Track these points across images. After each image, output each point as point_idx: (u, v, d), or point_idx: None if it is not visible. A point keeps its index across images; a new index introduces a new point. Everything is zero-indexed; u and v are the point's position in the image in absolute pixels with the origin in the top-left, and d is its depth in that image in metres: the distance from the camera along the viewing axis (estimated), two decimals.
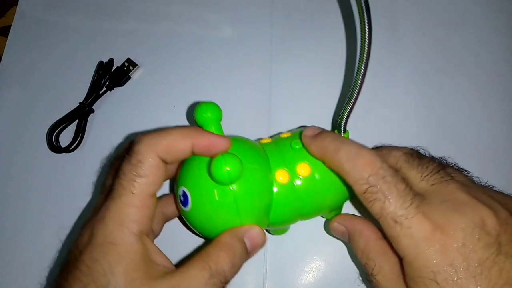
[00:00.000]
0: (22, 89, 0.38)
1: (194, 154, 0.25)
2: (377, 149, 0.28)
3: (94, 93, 0.36)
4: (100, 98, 0.37)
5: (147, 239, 0.23)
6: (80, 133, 0.36)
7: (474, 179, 0.26)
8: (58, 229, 0.34)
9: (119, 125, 0.37)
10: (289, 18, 0.39)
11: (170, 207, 0.29)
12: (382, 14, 0.38)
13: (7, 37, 0.40)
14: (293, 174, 0.26)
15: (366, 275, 0.25)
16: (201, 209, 0.25)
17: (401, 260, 0.22)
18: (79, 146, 0.36)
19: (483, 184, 0.26)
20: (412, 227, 0.21)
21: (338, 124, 0.28)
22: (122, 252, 0.22)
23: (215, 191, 0.24)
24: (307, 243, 0.32)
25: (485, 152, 0.35)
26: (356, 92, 0.25)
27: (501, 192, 0.25)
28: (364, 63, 0.24)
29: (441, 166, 0.24)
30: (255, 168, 0.25)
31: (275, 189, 0.26)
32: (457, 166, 0.26)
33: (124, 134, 0.36)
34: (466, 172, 0.26)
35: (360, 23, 0.22)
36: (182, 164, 0.26)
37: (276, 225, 0.27)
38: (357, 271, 0.31)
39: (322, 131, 0.26)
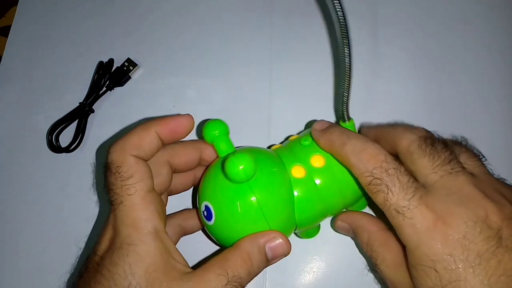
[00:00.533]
0: (22, 89, 0.38)
1: (164, 143, 0.26)
2: (391, 126, 0.28)
3: (94, 93, 0.36)
4: (100, 98, 0.37)
5: (165, 236, 0.24)
6: (80, 133, 0.36)
7: (488, 167, 0.26)
8: (58, 229, 0.34)
9: (119, 125, 0.37)
10: (289, 19, 0.39)
11: (189, 221, 0.30)
12: (380, 14, 0.38)
13: (7, 37, 0.40)
14: (309, 168, 0.26)
15: (371, 266, 0.26)
16: (225, 222, 0.25)
17: (404, 248, 0.23)
18: (79, 146, 0.36)
19: (495, 176, 0.26)
20: (414, 217, 0.22)
21: (341, 114, 0.28)
22: (141, 252, 0.22)
23: (238, 203, 0.24)
24: (307, 243, 0.32)
25: (485, 151, 0.35)
26: (347, 79, 0.26)
27: (511, 186, 0.25)
28: (347, 45, 0.24)
29: (453, 155, 0.24)
30: (271, 171, 0.26)
31: (294, 185, 0.26)
32: (475, 150, 0.26)
33: (124, 134, 0.36)
34: (482, 159, 0.26)
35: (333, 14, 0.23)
36: (203, 179, 0.27)
37: (304, 224, 0.27)
38: (361, 266, 0.31)
39: (331, 125, 0.27)
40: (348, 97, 0.27)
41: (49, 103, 0.37)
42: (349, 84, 0.26)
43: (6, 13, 0.41)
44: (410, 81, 0.37)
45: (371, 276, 0.31)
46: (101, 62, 0.37)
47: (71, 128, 0.36)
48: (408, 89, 0.36)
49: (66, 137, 0.36)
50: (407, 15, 0.39)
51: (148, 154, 0.25)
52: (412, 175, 0.24)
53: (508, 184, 0.25)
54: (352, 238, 0.32)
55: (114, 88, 0.37)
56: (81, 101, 0.36)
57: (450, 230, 0.21)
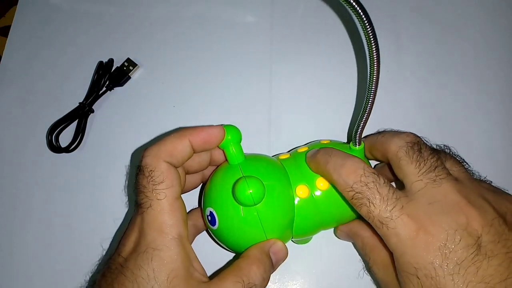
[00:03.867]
0: (22, 89, 0.38)
1: (195, 151, 0.27)
2: (379, 133, 0.29)
3: (94, 93, 0.36)
4: (100, 98, 0.37)
5: (187, 243, 0.24)
6: (80, 133, 0.36)
7: (473, 173, 0.27)
8: (58, 229, 0.34)
9: (119, 125, 0.37)
10: (289, 19, 0.39)
11: (200, 220, 0.31)
12: (385, 19, 0.38)
13: (7, 37, 0.40)
14: (313, 188, 0.27)
15: (367, 268, 0.29)
16: (228, 227, 0.27)
17: (392, 253, 0.24)
18: (79, 146, 0.36)
19: (482, 178, 0.27)
20: (397, 227, 0.23)
21: (353, 137, 0.28)
22: (165, 258, 0.23)
23: (240, 211, 0.26)
24: (307, 243, 0.32)
25: (483, 152, 0.35)
26: (369, 107, 0.25)
27: (498, 189, 0.26)
28: (374, 82, 0.24)
29: (440, 161, 0.25)
30: (276, 185, 0.27)
31: (296, 203, 0.27)
32: (458, 157, 0.27)
33: (124, 134, 0.36)
34: (465, 165, 0.27)
35: (369, 50, 0.22)
36: (208, 184, 0.28)
37: (299, 236, 0.29)
38: (359, 267, 0.32)
39: (320, 149, 0.28)
40: (365, 125, 0.27)
41: (49, 103, 0.37)
42: (369, 115, 0.26)
43: (6, 13, 0.41)
44: (407, 86, 0.37)
45: (368, 277, 0.31)
46: (101, 62, 0.37)
47: (71, 128, 0.36)
48: (406, 93, 0.36)
49: (66, 137, 0.36)
50: (406, 21, 0.39)
51: (180, 161, 0.26)
52: (392, 186, 0.24)
53: (495, 187, 0.26)
54: (352, 243, 0.32)
55: (114, 88, 0.37)
56: (81, 101, 0.36)
57: (431, 239, 0.22)
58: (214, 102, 0.37)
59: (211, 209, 0.27)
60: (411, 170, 0.25)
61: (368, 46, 0.22)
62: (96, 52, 0.38)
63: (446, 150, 0.28)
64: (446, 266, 0.21)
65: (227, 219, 0.26)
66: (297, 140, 0.34)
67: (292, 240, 0.31)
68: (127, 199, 0.35)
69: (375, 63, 0.23)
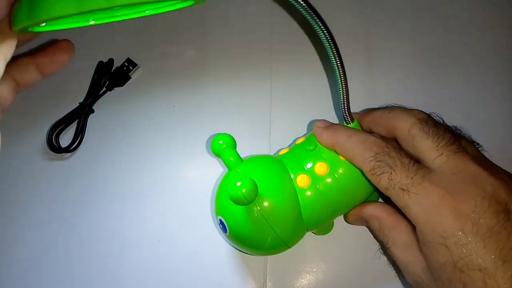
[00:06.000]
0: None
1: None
2: (386, 109, 0.28)
3: (94, 93, 0.36)
4: (100, 98, 0.37)
5: None
6: (80, 133, 0.36)
7: (484, 154, 0.26)
8: (58, 229, 0.34)
9: (119, 125, 0.37)
10: (289, 18, 0.39)
11: (26, 74, 0.27)
12: (380, 16, 0.38)
13: None
14: (313, 176, 0.28)
15: (383, 249, 0.28)
16: (237, 231, 0.27)
17: (413, 229, 0.23)
18: (79, 146, 0.36)
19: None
20: (420, 193, 0.22)
21: (343, 117, 0.29)
22: None
23: (244, 213, 0.26)
24: (307, 243, 0.32)
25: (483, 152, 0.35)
26: (343, 84, 0.27)
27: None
28: (336, 57, 0.26)
29: (456, 136, 0.25)
30: (275, 181, 0.27)
31: (299, 194, 0.27)
32: (470, 138, 0.27)
33: (124, 134, 0.36)
34: (477, 146, 0.27)
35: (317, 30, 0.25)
36: (216, 194, 0.29)
37: (315, 226, 0.29)
38: (360, 266, 0.32)
39: (333, 124, 0.28)
40: (347, 100, 0.28)
41: (49, 103, 0.37)
42: (345, 88, 0.27)
43: None
44: (409, 82, 0.37)
45: (370, 275, 0.31)
46: (101, 62, 0.37)
47: (71, 128, 0.36)
48: (407, 90, 0.36)
49: (66, 137, 0.36)
50: (405, 15, 0.39)
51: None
52: (412, 159, 0.24)
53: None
54: (367, 227, 0.32)
55: (114, 88, 0.37)
56: (81, 101, 0.36)
57: (459, 205, 0.21)
58: (214, 102, 0.37)
59: (221, 217, 0.28)
60: (429, 145, 0.24)
61: (316, 27, 0.24)
62: (96, 52, 0.38)
63: (457, 131, 0.27)
64: (477, 232, 0.21)
65: (235, 224, 0.27)
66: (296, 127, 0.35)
67: (312, 232, 0.31)
68: (127, 198, 0.35)
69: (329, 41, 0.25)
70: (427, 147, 0.24)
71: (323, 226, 0.30)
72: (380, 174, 0.24)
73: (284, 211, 0.27)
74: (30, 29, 0.21)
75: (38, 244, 0.34)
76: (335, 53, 0.25)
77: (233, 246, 0.30)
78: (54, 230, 0.34)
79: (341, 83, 0.27)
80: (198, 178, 0.35)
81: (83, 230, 0.34)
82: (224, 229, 0.28)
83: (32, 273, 0.33)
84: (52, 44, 0.25)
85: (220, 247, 0.32)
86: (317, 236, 0.32)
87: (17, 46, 0.24)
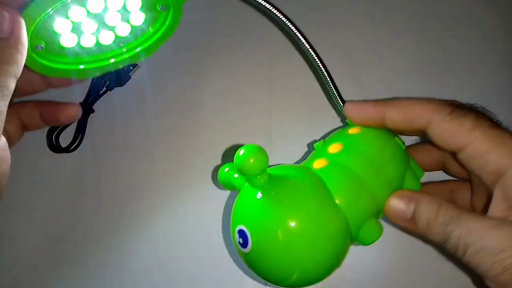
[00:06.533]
0: None
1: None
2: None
3: (94, 93, 0.36)
4: (100, 98, 0.37)
5: None
6: (80, 133, 0.36)
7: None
8: (58, 229, 0.34)
9: (119, 125, 0.37)
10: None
11: (31, 119, 0.29)
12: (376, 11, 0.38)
13: None
14: (328, 156, 0.25)
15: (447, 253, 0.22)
16: (265, 249, 0.22)
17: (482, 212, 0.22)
18: (79, 146, 0.36)
19: None
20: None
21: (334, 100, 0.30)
22: None
23: (279, 230, 0.21)
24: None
25: None
26: (327, 76, 0.29)
27: None
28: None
29: (487, 115, 0.23)
30: (309, 193, 0.23)
31: (320, 174, 0.24)
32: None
33: (124, 134, 0.36)
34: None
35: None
36: (236, 201, 0.24)
37: (355, 216, 0.23)
38: (362, 267, 0.31)
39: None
40: (331, 80, 0.29)
41: None
42: (334, 85, 0.29)
43: None
44: (409, 82, 0.37)
45: (371, 277, 0.31)
46: None
47: (71, 128, 0.36)
48: (407, 90, 0.36)
49: (66, 137, 0.36)
50: (405, 14, 0.39)
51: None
52: None
53: None
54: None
55: (114, 88, 0.37)
56: (81, 101, 0.36)
57: None
58: (214, 102, 0.37)
59: (242, 227, 0.22)
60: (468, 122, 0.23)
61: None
62: None
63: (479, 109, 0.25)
64: None
65: (263, 238, 0.22)
66: (297, 140, 0.34)
67: (357, 242, 0.25)
68: (127, 199, 0.35)
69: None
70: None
71: (364, 221, 0.24)
72: (463, 116, 0.23)
73: (322, 238, 0.22)
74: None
75: (38, 244, 0.34)
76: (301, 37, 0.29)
77: (251, 268, 0.24)
78: (54, 230, 0.34)
79: (319, 68, 0.28)
80: (199, 174, 0.35)
81: (83, 231, 0.34)
82: (244, 243, 0.22)
83: (32, 273, 0.33)
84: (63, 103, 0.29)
85: (221, 247, 0.32)
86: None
87: (25, 95, 0.28)
